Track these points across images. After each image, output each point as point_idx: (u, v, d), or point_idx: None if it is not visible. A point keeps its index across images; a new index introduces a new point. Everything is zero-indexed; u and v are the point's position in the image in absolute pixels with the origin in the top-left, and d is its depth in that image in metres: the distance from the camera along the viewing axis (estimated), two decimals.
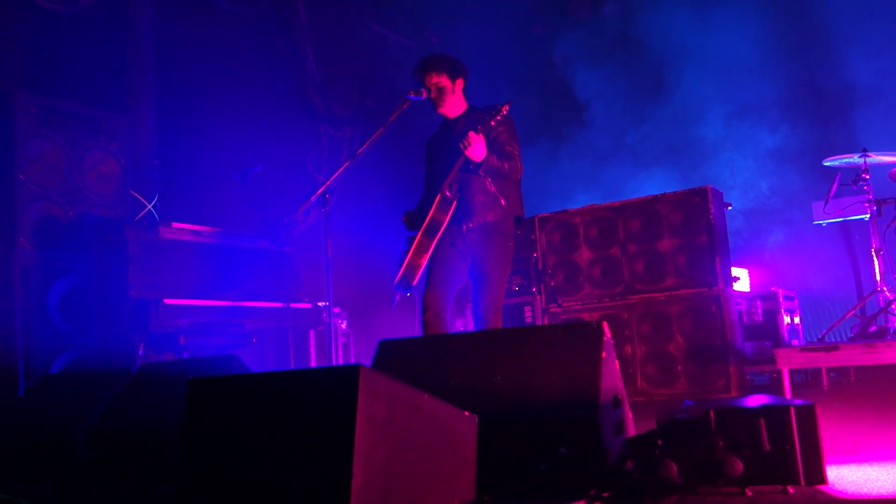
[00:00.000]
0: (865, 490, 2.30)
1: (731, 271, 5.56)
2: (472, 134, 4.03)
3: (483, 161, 4.08)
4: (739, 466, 2.29)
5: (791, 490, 2.30)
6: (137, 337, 5.03)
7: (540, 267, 6.05)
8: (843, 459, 2.78)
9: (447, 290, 4.28)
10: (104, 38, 6.45)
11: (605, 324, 2.80)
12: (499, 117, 4.12)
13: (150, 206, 6.24)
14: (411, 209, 4.46)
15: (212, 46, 7.05)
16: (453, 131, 4.31)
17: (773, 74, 7.60)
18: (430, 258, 4.16)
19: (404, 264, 4.12)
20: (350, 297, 7.11)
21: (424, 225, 4.14)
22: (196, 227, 5.54)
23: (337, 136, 8.27)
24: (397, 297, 4.21)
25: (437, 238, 4.15)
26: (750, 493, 2.30)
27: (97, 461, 3.41)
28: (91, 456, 3.42)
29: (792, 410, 2.32)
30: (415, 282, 4.13)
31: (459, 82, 4.35)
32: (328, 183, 4.28)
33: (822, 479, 2.30)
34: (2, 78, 5.80)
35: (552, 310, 5.97)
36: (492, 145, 4.13)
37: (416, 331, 4.32)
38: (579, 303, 5.88)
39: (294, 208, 4.62)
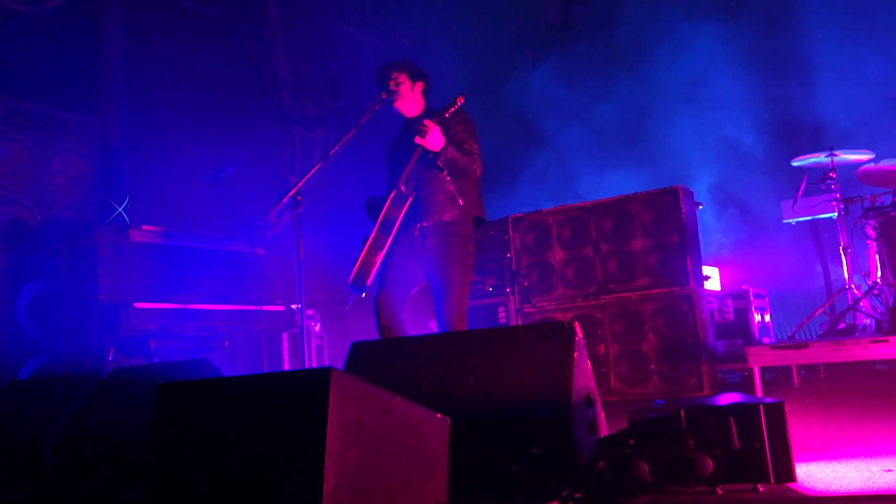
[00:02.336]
0: (834, 487, 2.33)
1: (702, 270, 5.61)
2: (426, 121, 4.00)
3: (441, 150, 4.02)
4: (710, 465, 2.31)
5: (761, 488, 2.32)
6: (107, 341, 4.97)
7: (513, 267, 6.07)
8: (812, 457, 2.82)
9: (401, 292, 4.22)
10: (73, 39, 6.36)
11: (576, 324, 2.81)
12: (453, 109, 4.09)
13: (120, 209, 6.17)
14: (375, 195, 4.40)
15: (182, 48, 6.98)
16: (411, 131, 4.28)
17: (742, 75, 7.68)
18: (385, 258, 4.09)
19: (358, 263, 4.04)
20: (324, 300, 7.07)
21: (379, 222, 4.09)
22: (167, 230, 5.49)
23: (310, 137, 8.23)
24: (352, 298, 4.12)
25: (392, 236, 4.08)
26: (720, 492, 2.32)
27: (66, 467, 3.36)
28: (59, 462, 3.37)
29: (761, 409, 2.35)
30: (369, 281, 4.04)
31: (419, 85, 4.37)
32: (300, 185, 4.25)
33: (791, 476, 2.33)
34: None
35: (526, 310, 5.99)
36: (449, 141, 4.10)
37: None
38: (553, 303, 5.90)
39: (267, 210, 4.59)
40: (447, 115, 4.10)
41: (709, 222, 7.73)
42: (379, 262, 4.08)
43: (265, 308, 5.70)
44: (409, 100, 4.36)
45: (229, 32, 7.56)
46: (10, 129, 5.57)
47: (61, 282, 5.43)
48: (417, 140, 4.01)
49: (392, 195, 4.11)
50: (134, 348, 5.04)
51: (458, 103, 4.12)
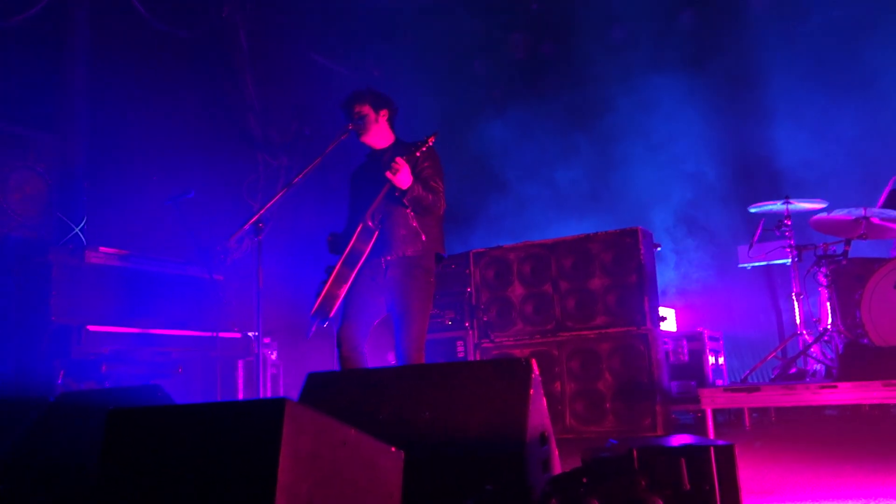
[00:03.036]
0: None
1: (659, 311, 5.69)
2: (398, 159, 4.03)
3: (409, 189, 4.07)
4: None
5: None
6: (57, 364, 4.85)
7: (473, 302, 6.08)
8: (760, 500, 2.86)
9: (363, 324, 4.24)
10: (37, 55, 6.30)
11: (533, 361, 2.82)
12: (424, 149, 4.13)
13: (76, 230, 6.07)
14: (338, 231, 4.43)
15: (149, 69, 6.94)
16: (379, 162, 4.30)
17: (701, 122, 7.85)
18: (349, 291, 4.11)
19: (322, 294, 4.04)
20: (281, 328, 7.00)
21: (345, 255, 4.09)
22: (124, 253, 5.41)
23: (274, 164, 8.20)
24: (313, 328, 4.10)
25: (357, 269, 4.10)
26: None
27: (9, 493, 3.26)
28: (2, 488, 3.27)
29: (712, 451, 2.38)
30: (332, 313, 4.04)
31: (384, 113, 4.40)
32: (262, 211, 4.24)
33: None
34: None
35: (484, 345, 6.00)
36: (416, 179, 4.14)
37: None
38: (511, 339, 5.92)
39: (227, 236, 4.56)
40: (418, 155, 4.13)
41: (667, 264, 7.85)
42: (343, 295, 4.08)
43: (221, 335, 5.63)
44: (375, 131, 4.39)
45: (198, 56, 7.54)
46: None
47: (11, 301, 5.30)
48: (388, 175, 4.04)
49: (359, 229, 4.11)
50: (85, 372, 4.93)
51: (430, 143, 4.15)
